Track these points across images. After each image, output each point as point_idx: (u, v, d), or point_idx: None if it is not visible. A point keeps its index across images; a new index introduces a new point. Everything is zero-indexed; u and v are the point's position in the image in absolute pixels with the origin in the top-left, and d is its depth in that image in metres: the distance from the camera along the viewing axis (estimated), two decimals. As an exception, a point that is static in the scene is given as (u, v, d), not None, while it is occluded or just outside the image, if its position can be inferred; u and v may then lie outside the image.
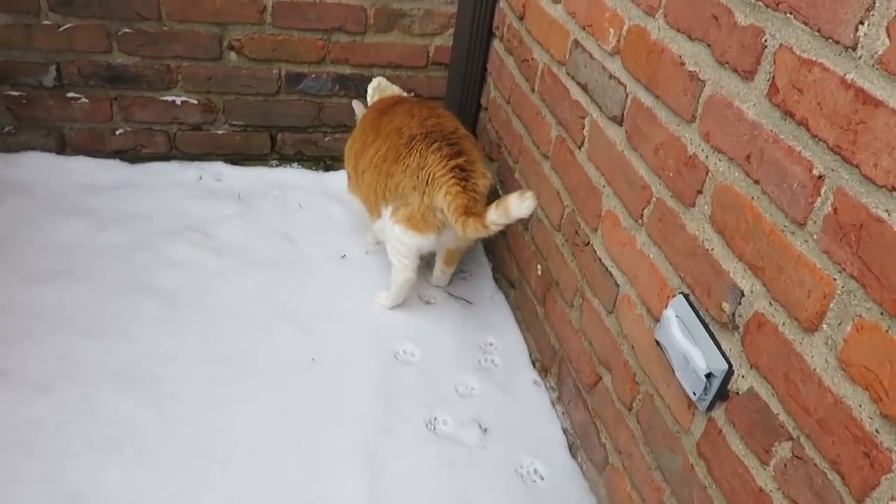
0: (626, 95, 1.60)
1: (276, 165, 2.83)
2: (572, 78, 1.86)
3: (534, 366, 2.16)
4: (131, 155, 2.68)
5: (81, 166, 2.60)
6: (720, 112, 1.29)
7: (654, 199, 1.51)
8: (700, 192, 1.35)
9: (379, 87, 2.42)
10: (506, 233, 2.36)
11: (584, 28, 1.79)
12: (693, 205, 1.37)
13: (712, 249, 1.32)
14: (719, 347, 1.30)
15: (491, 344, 2.22)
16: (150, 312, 2.07)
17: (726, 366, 1.27)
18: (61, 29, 2.37)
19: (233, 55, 2.55)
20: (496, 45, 2.44)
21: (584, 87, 1.80)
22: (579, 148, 1.84)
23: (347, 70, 2.67)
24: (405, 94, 2.44)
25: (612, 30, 1.65)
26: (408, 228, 2.06)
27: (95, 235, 2.32)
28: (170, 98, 2.59)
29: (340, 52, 2.62)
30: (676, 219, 1.43)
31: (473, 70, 2.53)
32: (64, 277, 2.13)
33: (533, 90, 2.12)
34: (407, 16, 2.59)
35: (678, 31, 1.41)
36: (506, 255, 2.39)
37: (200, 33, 2.48)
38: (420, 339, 2.18)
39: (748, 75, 1.21)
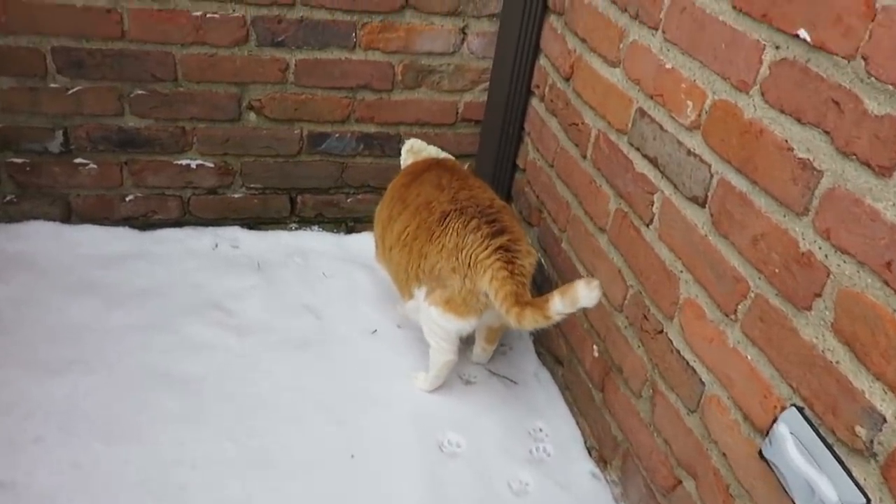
0: (711, 176, 1.45)
1: (296, 229, 2.66)
2: (637, 149, 1.71)
3: (590, 454, 1.98)
4: (141, 222, 2.50)
5: (88, 236, 2.42)
6: (845, 209, 1.14)
7: (751, 295, 1.35)
8: (819, 295, 1.19)
9: (412, 150, 2.27)
10: (552, 306, 2.20)
11: (651, 97, 1.64)
12: (808, 308, 1.22)
13: (837, 362, 1.16)
14: (851, 476, 1.13)
15: (541, 430, 2.05)
16: (173, 407, 1.88)
17: (864, 500, 1.11)
18: (70, 92, 2.21)
19: (252, 115, 2.39)
20: (535, 104, 2.30)
21: (652, 161, 1.65)
22: (647, 226, 1.69)
23: (372, 129, 2.52)
24: (442, 153, 2.29)
25: (690, 102, 1.51)
26: (447, 312, 1.89)
27: (108, 316, 2.13)
28: (184, 161, 2.42)
29: (365, 111, 2.47)
30: (785, 321, 1.27)
31: (510, 129, 2.39)
32: (77, 368, 1.94)
33: (584, 157, 1.97)
34: (436, 72, 2.45)
35: (782, 111, 1.26)
36: (551, 330, 2.22)
37: (218, 94, 2.32)
38: (464, 426, 2.00)
39: (885, 171, 1.06)
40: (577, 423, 2.06)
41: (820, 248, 1.19)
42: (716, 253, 1.45)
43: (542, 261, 2.24)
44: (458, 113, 2.55)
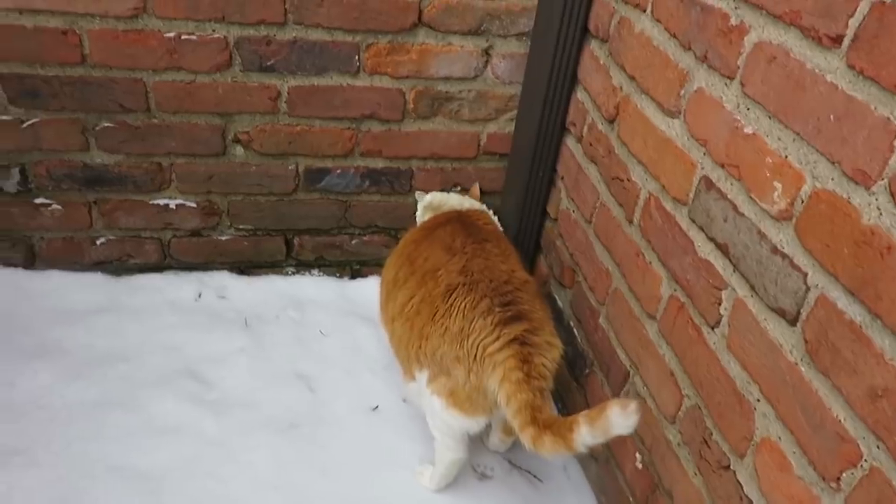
0: (807, 288, 1.08)
1: (293, 273, 2.33)
2: (700, 229, 1.34)
3: (629, 582, 1.64)
4: (116, 266, 2.19)
5: (55, 284, 2.11)
6: None
7: (864, 465, 0.98)
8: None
9: (431, 206, 1.92)
10: (585, 391, 1.84)
11: (723, 166, 1.27)
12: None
13: None
14: None
15: (571, 543, 1.71)
16: (129, 517, 1.58)
17: None
18: (25, 125, 1.89)
19: (239, 149, 2.06)
20: (571, 144, 1.92)
21: (721, 248, 1.28)
22: (711, 328, 1.32)
23: (380, 164, 2.16)
24: (467, 202, 1.95)
25: (779, 185, 1.13)
26: (451, 406, 1.56)
27: (63, 390, 1.83)
28: (162, 201, 2.10)
29: (372, 143, 2.12)
30: (918, 519, 0.90)
31: (540, 169, 2.02)
32: (16, 461, 1.64)
33: (630, 222, 1.60)
34: (454, 99, 2.08)
35: (924, 226, 0.89)
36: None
37: (199, 125, 1.99)
38: (480, 537, 1.67)
39: None
40: (614, 538, 1.72)
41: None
42: (811, 393, 1.08)
43: (576, 336, 1.88)
44: (479, 145, 2.19)
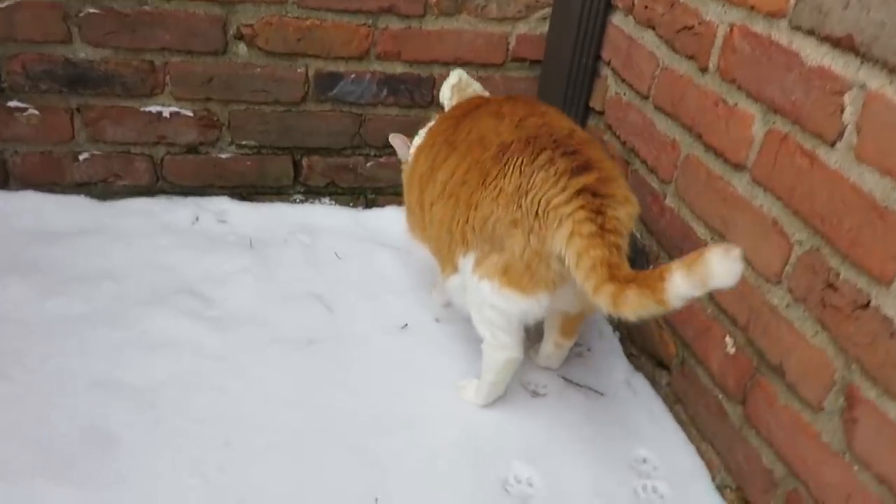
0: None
1: (301, 201, 2.08)
2: (809, 33, 1.12)
3: (722, 495, 1.37)
4: (101, 189, 1.93)
5: (29, 205, 1.85)
6: None
7: None
8: None
9: (459, 86, 1.69)
10: (651, 288, 1.60)
11: (840, -58, 1.06)
12: None
13: None
14: None
15: (645, 461, 1.44)
16: (113, 426, 1.30)
17: None
18: (-2, 8, 1.66)
19: (242, 47, 1.83)
20: (619, 21, 1.72)
21: (840, 43, 1.06)
22: (831, 145, 1.09)
23: (399, 69, 1.94)
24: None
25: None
26: (505, 286, 1.30)
27: (40, 305, 1.56)
28: (154, 108, 1.86)
29: (390, 44, 1.90)
30: None
31: (581, 62, 1.81)
32: (-16, 373, 1.36)
33: (705, 70, 1.38)
34: (481, -9, 1.88)
35: None
36: (647, 320, 1.62)
37: (197, 15, 1.76)
38: (536, 455, 1.40)
39: None
40: (699, 449, 1.45)
41: None
42: None
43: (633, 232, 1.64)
44: (508, 49, 1.97)
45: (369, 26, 1.86)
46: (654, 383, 1.60)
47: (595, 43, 1.78)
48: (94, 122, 1.84)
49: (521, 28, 1.95)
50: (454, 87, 1.69)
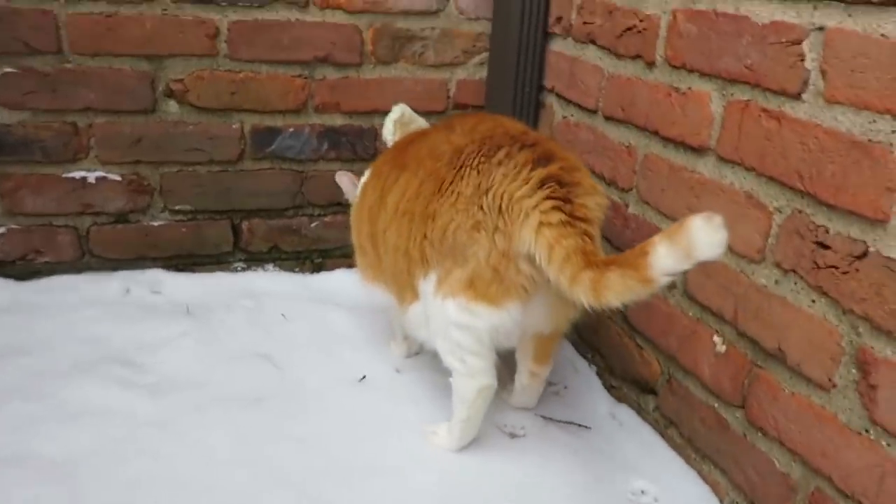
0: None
1: (243, 269, 1.94)
2: (755, -8, 1.10)
3: (735, 518, 1.21)
4: (20, 268, 1.76)
5: (-64, 288, 1.67)
6: None
7: None
8: None
9: (402, 120, 1.61)
10: (625, 305, 1.48)
11: None
12: None
13: None
14: None
15: (644, 492, 1.27)
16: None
17: None
18: None
19: (173, 104, 1.74)
20: (558, 46, 1.70)
21: (791, -9, 1.03)
22: (797, 98, 1.03)
23: (339, 121, 1.88)
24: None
25: None
26: (472, 301, 1.18)
27: (-59, 382, 1.36)
28: (78, 174, 1.73)
29: (328, 94, 1.84)
30: None
31: (525, 93, 1.77)
32: None
33: (652, 65, 1.35)
34: (417, 38, 1.86)
35: None
36: (623, 340, 1.49)
37: (123, 72, 1.69)
38: (524, 499, 1.22)
39: None
40: (701, 473, 1.29)
41: None
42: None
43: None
44: (449, 95, 1.94)
45: (305, 77, 1.81)
46: (641, 411, 1.45)
47: (536, 74, 1.76)
48: (12, 193, 1.70)
49: (461, 74, 1.93)
50: (396, 121, 1.62)
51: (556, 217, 1.09)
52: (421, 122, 1.65)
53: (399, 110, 1.63)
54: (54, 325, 1.59)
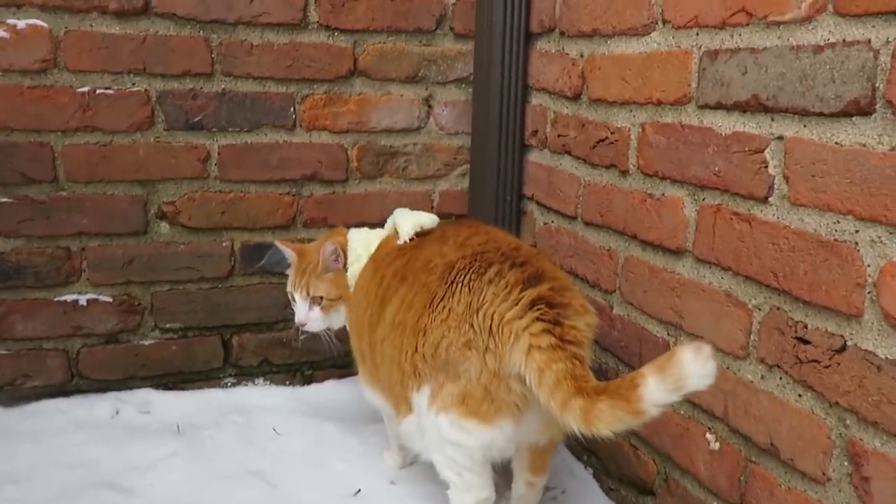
0: (876, 56, 0.91)
1: (233, 384, 1.93)
2: (716, 107, 1.18)
3: None
4: (7, 393, 1.75)
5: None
6: None
7: None
8: None
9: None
10: (616, 406, 1.50)
11: (723, 25, 1.15)
12: None
13: None
14: None
15: None
16: None
17: None
18: None
19: (164, 226, 1.79)
20: (535, 157, 1.79)
21: (747, 106, 1.11)
22: (764, 202, 1.10)
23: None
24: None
25: (800, -19, 1.01)
26: (463, 417, 1.19)
27: (-77, 518, 1.32)
28: (70, 297, 1.75)
29: (315, 210, 1.90)
30: None
31: (505, 208, 1.85)
32: None
33: (626, 174, 1.42)
34: (400, 154, 1.94)
35: None
36: (617, 441, 1.49)
37: (116, 197, 1.74)
38: None
39: None
40: (705, 575, 1.27)
41: None
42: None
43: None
44: (433, 206, 2.01)
45: (293, 195, 1.88)
46: (643, 518, 1.44)
47: (516, 183, 1.83)
48: (2, 319, 1.71)
49: (443, 185, 2.01)
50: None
51: (546, 340, 1.11)
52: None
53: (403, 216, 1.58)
54: (41, 452, 1.56)
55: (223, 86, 1.76)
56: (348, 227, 1.65)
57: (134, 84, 1.70)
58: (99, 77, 1.67)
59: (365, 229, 1.63)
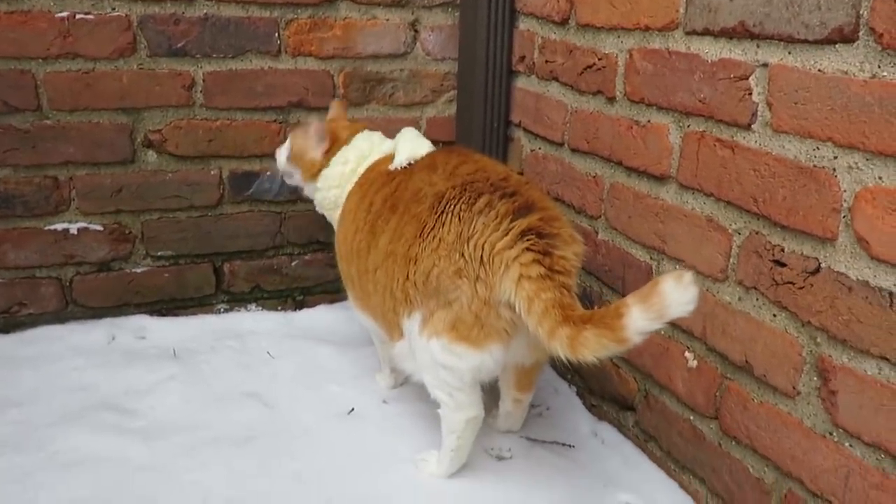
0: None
1: (226, 311, 1.97)
2: (703, 33, 1.18)
3: (716, 527, 1.27)
4: (3, 321, 1.78)
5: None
6: None
7: None
8: None
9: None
10: (600, 327, 1.55)
11: (714, -53, 1.14)
12: None
13: None
14: None
15: (629, 504, 1.33)
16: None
17: None
18: None
19: (151, 154, 1.79)
20: (522, 83, 1.78)
21: (734, 32, 1.12)
22: (748, 128, 1.12)
23: (314, 162, 1.93)
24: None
25: None
26: (454, 342, 1.23)
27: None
28: (60, 226, 1.76)
29: (303, 138, 1.90)
30: None
31: (494, 128, 1.85)
32: None
33: (613, 100, 1.43)
34: (387, 80, 1.93)
35: None
36: (600, 361, 1.55)
37: (101, 125, 1.73)
38: (514, 516, 1.27)
39: None
40: (682, 483, 1.35)
41: None
42: (907, 85, 0.88)
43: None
44: (421, 132, 2.00)
45: (280, 122, 1.87)
46: (622, 427, 1.52)
47: (503, 110, 1.83)
48: (-6, 247, 1.73)
49: (430, 112, 2.00)
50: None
51: (536, 270, 1.14)
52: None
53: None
54: (41, 376, 1.61)
55: (205, 10, 1.73)
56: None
57: (114, 9, 1.66)
58: (78, 2, 1.63)
59: (376, 137, 1.62)
